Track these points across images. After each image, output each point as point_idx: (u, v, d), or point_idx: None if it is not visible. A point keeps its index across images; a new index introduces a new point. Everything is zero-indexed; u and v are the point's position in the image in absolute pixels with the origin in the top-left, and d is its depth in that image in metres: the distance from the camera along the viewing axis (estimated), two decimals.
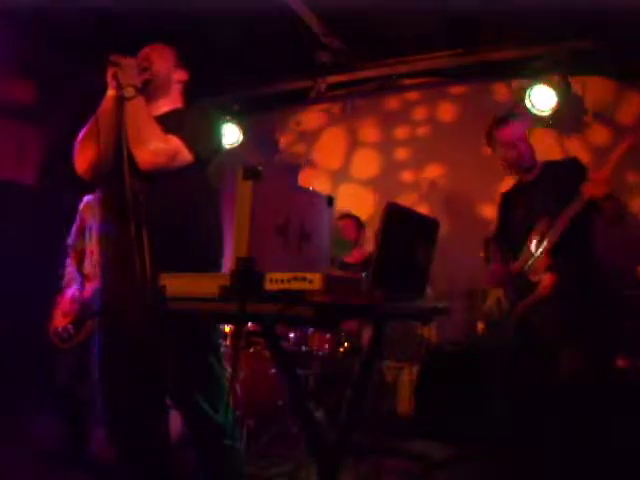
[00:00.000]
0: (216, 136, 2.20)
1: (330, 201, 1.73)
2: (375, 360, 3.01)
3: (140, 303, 1.67)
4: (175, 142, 1.98)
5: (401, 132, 4.98)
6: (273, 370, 3.57)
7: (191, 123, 2.07)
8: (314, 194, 1.80)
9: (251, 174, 1.42)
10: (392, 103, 5.03)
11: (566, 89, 4.04)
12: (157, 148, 1.95)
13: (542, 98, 4.05)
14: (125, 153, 1.87)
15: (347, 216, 4.34)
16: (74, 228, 3.32)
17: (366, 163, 5.09)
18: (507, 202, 2.97)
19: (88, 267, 3.19)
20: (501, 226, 2.98)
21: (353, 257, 4.15)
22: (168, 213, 2.00)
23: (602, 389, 2.60)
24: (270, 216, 1.48)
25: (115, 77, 1.97)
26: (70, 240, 3.32)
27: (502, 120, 2.85)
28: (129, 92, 1.97)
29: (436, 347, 4.35)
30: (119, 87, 1.97)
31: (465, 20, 3.80)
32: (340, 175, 5.17)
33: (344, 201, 4.79)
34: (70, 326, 3.07)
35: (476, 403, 3.46)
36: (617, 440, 2.80)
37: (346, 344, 3.56)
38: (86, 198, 3.30)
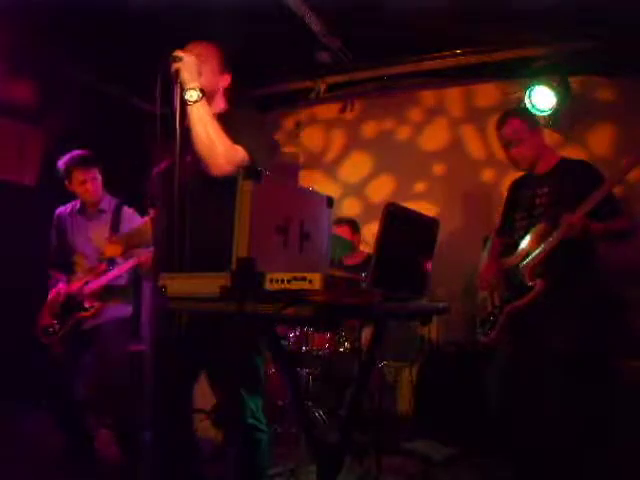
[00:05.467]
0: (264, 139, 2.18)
1: (330, 201, 1.73)
2: (375, 360, 3.02)
3: None
4: (242, 151, 1.98)
5: None
6: (273, 370, 3.58)
7: (246, 129, 2.04)
8: (314, 194, 1.80)
9: (251, 174, 1.42)
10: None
11: (566, 89, 4.04)
12: (229, 156, 1.94)
13: (542, 98, 4.05)
14: (179, 153, 1.85)
15: (342, 221, 4.27)
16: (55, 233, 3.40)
17: None
18: (514, 190, 2.94)
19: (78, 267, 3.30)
20: (505, 216, 2.94)
21: (353, 259, 4.13)
22: (217, 215, 1.99)
23: (603, 389, 2.59)
24: (270, 216, 1.48)
25: (177, 74, 1.92)
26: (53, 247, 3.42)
27: (501, 118, 2.84)
28: (193, 95, 1.94)
29: (436, 347, 4.35)
30: (181, 86, 1.93)
31: (465, 20, 3.80)
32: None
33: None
34: (54, 321, 3.21)
35: (476, 403, 3.46)
36: (619, 439, 2.80)
37: (346, 344, 3.55)
38: (59, 210, 3.41)
